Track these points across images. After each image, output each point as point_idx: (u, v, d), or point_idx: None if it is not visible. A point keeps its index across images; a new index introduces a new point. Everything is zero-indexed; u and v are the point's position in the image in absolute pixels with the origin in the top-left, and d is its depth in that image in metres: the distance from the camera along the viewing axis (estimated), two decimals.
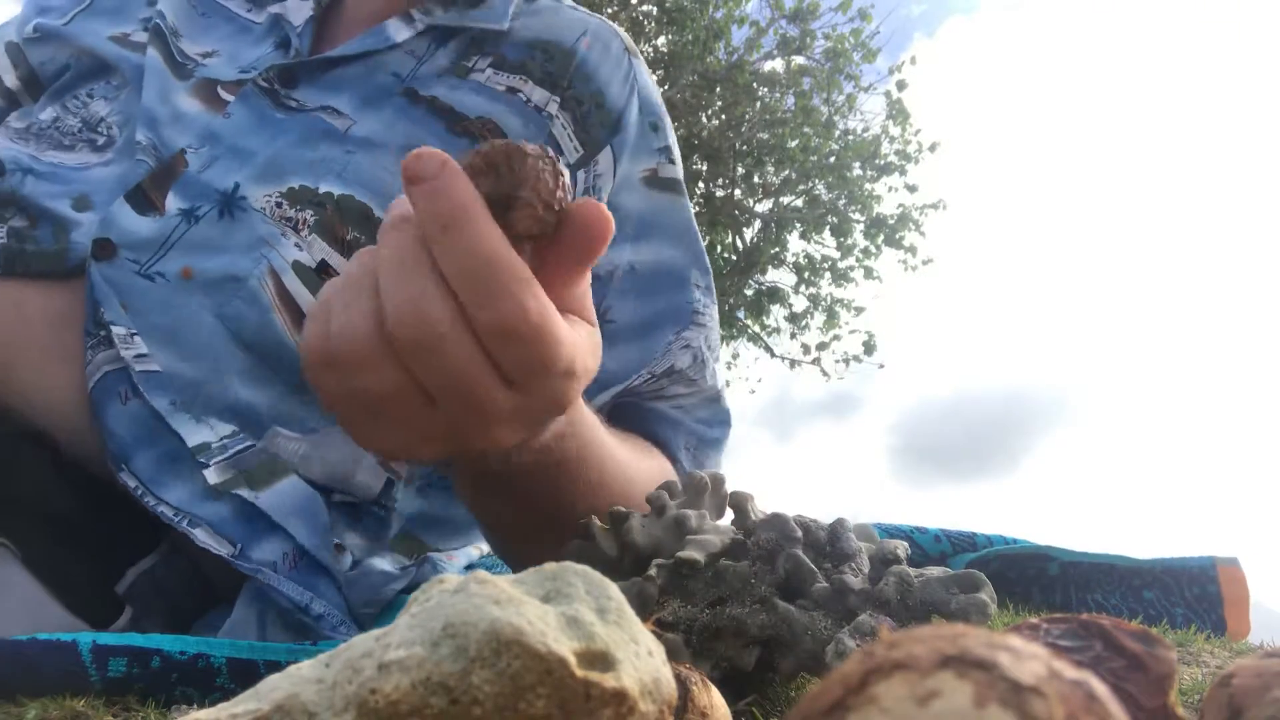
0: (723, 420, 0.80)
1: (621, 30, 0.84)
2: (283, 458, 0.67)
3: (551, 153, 0.38)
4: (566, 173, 0.39)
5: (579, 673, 0.19)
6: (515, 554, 0.66)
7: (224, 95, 0.75)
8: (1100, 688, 0.16)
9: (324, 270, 0.69)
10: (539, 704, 0.18)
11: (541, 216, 0.38)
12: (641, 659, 0.21)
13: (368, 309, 0.38)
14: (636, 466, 0.64)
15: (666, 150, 0.81)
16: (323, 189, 0.70)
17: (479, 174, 0.38)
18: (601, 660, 0.20)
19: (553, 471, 0.53)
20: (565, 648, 0.19)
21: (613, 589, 0.22)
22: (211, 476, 0.62)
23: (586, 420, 0.55)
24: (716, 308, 0.82)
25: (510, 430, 0.41)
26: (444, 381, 0.38)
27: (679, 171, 0.82)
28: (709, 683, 0.31)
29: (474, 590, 0.20)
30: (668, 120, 0.83)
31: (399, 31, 0.77)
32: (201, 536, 0.60)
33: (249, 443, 0.66)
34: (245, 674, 0.46)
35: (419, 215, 0.38)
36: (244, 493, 0.63)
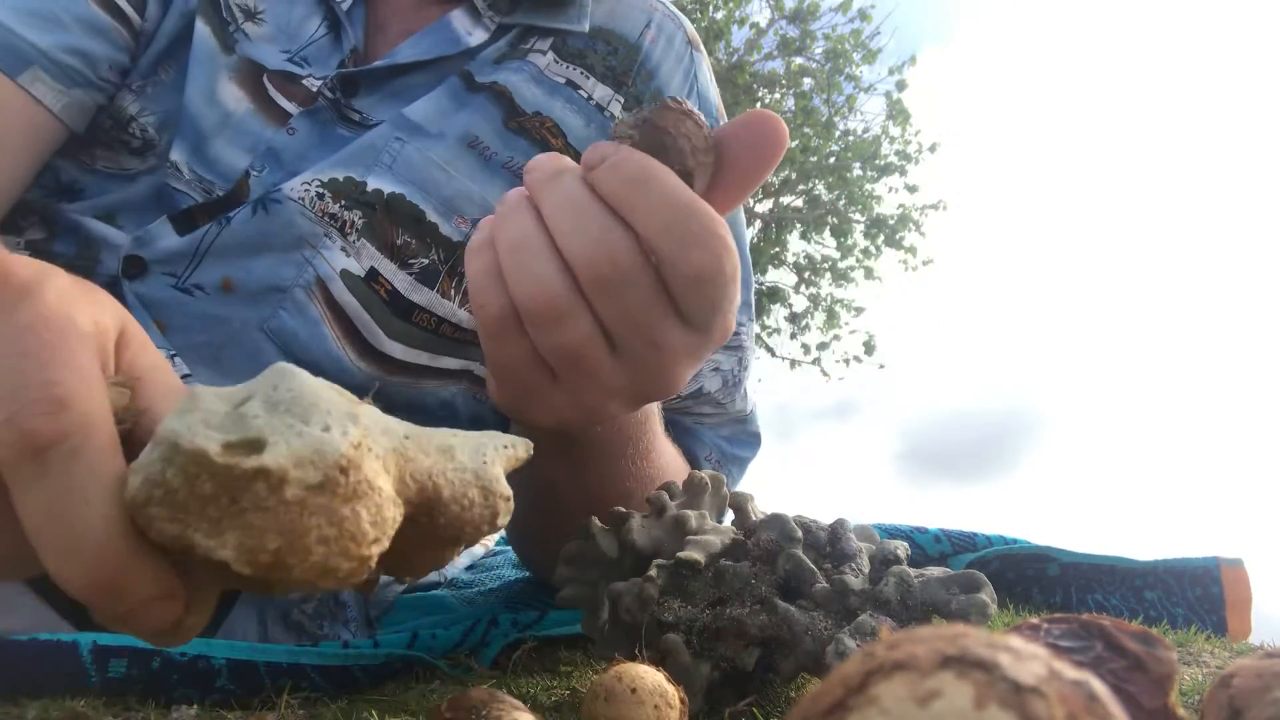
0: (747, 441, 0.78)
1: (685, 20, 0.79)
2: None
3: (682, 100, 0.40)
4: (700, 114, 0.40)
5: (219, 460, 0.24)
6: (531, 530, 0.65)
7: (274, 96, 0.69)
8: (1101, 688, 0.16)
9: (373, 279, 0.65)
10: (206, 486, 0.24)
11: (701, 159, 0.40)
12: (304, 438, 0.25)
13: (551, 263, 0.38)
14: (673, 459, 0.63)
15: None
16: (371, 184, 0.65)
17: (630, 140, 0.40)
18: (249, 446, 0.25)
19: (616, 444, 0.53)
20: (212, 442, 0.25)
21: (299, 380, 0.27)
22: None
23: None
24: (754, 323, 0.78)
25: (686, 372, 0.42)
26: (632, 321, 0.39)
27: None
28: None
29: (176, 404, 0.26)
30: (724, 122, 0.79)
31: (469, 32, 0.71)
32: None
33: None
34: (245, 675, 0.46)
35: (606, 188, 0.38)
36: None
